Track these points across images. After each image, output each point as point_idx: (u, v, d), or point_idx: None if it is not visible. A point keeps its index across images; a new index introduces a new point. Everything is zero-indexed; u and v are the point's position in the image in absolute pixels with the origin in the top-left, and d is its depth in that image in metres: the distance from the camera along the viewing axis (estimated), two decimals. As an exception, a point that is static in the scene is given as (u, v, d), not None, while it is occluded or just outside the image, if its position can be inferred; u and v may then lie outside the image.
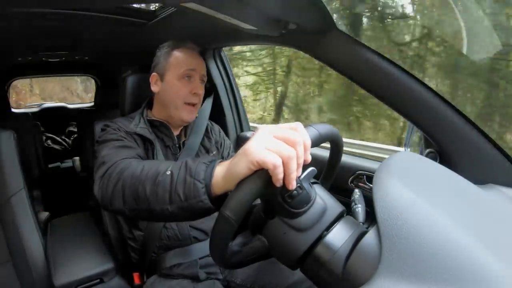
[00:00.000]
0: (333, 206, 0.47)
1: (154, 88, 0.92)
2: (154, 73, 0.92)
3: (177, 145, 0.93)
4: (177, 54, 0.89)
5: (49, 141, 2.54)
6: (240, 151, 0.43)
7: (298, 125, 0.42)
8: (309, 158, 0.41)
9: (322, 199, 0.47)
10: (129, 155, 0.70)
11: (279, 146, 0.39)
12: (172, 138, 0.92)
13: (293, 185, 0.40)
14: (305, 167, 0.52)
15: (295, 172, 0.39)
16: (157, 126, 0.92)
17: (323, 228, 0.45)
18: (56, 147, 2.54)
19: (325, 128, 0.48)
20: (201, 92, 0.91)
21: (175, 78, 0.88)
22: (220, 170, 0.48)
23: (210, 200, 0.48)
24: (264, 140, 0.40)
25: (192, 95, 0.88)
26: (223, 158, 1.03)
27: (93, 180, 0.67)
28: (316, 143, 0.44)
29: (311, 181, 0.48)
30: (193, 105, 0.89)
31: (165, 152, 0.91)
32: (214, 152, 1.00)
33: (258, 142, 0.40)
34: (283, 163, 0.38)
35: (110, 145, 0.74)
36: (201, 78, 0.91)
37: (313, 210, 0.45)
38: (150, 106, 0.97)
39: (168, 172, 0.52)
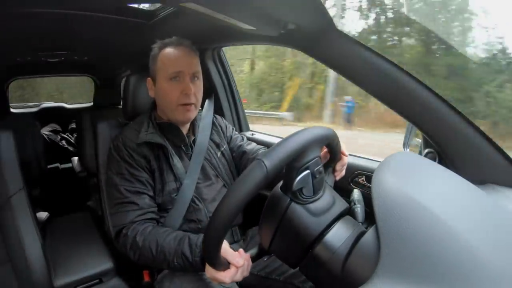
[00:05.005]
0: None
1: (150, 93, 0.93)
2: (148, 78, 0.93)
3: (188, 144, 0.93)
4: (163, 56, 0.88)
5: (63, 142, 2.51)
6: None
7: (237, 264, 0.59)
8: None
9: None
10: (133, 216, 0.81)
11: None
12: (182, 138, 0.92)
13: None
14: None
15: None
16: (166, 127, 0.91)
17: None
18: (71, 148, 2.47)
19: None
20: (194, 90, 0.87)
21: (164, 82, 0.87)
22: None
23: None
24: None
25: (184, 96, 0.86)
26: (231, 148, 1.04)
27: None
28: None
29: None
30: (188, 104, 0.87)
31: (178, 153, 0.91)
32: (224, 147, 1.01)
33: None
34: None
35: (116, 198, 0.84)
36: (192, 76, 0.88)
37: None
38: (156, 107, 0.96)
39: (176, 263, 0.72)
